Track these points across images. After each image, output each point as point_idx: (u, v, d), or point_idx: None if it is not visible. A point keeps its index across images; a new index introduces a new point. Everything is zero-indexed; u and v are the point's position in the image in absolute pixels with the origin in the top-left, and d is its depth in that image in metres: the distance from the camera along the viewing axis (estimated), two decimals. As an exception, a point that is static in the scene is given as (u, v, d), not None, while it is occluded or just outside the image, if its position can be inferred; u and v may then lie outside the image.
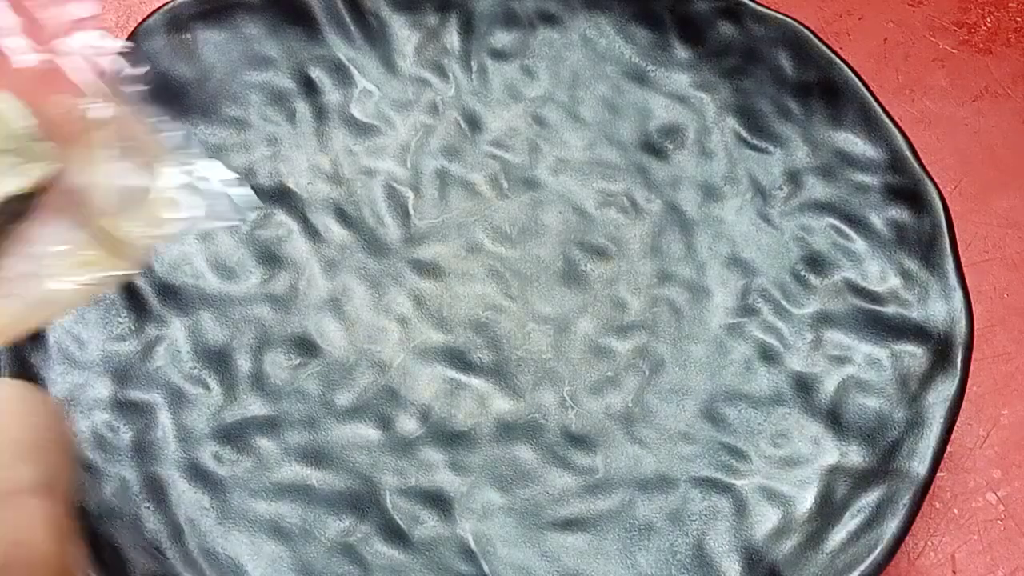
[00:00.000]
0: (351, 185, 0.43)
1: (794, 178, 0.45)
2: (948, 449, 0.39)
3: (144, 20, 0.44)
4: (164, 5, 0.44)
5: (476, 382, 0.41)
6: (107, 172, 0.32)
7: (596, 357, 0.41)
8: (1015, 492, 0.41)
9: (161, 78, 0.43)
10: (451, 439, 0.40)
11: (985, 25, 0.51)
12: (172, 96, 0.44)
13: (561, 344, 0.41)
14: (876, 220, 0.43)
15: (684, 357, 0.41)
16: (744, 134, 0.44)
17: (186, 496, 0.38)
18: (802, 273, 0.43)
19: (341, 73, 0.45)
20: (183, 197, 0.32)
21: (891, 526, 0.37)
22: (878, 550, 0.37)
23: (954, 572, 0.40)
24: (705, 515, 0.39)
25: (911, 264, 0.42)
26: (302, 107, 0.45)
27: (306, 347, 0.41)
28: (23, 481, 0.26)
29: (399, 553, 0.38)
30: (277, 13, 0.45)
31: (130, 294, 0.41)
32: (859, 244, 0.43)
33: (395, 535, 0.38)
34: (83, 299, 0.32)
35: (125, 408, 0.39)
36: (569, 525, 0.39)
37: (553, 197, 0.44)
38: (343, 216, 0.43)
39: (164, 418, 0.39)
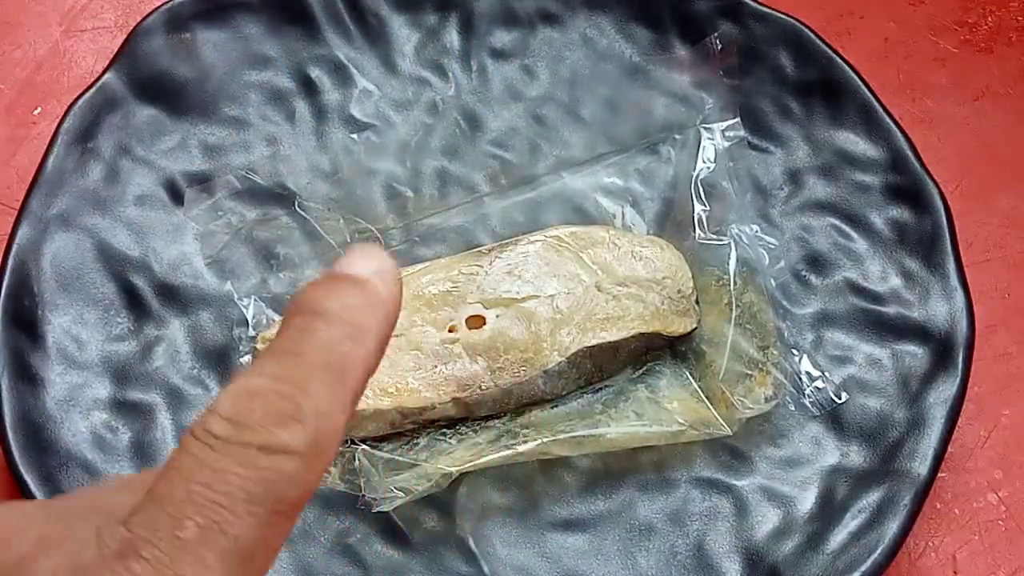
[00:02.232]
0: (351, 185, 0.43)
1: (795, 178, 0.44)
2: (949, 449, 0.39)
3: (144, 19, 0.44)
4: (164, 4, 0.44)
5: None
6: (731, 342, 0.40)
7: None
8: (1016, 492, 0.41)
9: (161, 78, 0.43)
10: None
11: (986, 24, 0.51)
12: (172, 96, 0.44)
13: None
14: (877, 220, 0.43)
15: (683, 357, 0.41)
16: (745, 134, 0.44)
17: (185, 496, 0.38)
18: (803, 273, 0.43)
19: (341, 73, 0.45)
20: (779, 383, 0.40)
21: (892, 526, 0.37)
22: (879, 550, 0.37)
23: (955, 573, 0.40)
24: (705, 515, 0.39)
25: (912, 264, 0.42)
26: (302, 107, 0.45)
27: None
28: None
29: (399, 553, 0.38)
30: (277, 13, 0.45)
31: (130, 294, 0.41)
32: (860, 244, 0.43)
33: (395, 535, 0.38)
34: (662, 440, 0.39)
35: (125, 408, 0.39)
36: (569, 525, 0.38)
37: (553, 196, 0.44)
38: (342, 216, 0.42)
39: (163, 418, 0.39)
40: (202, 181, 0.42)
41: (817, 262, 0.43)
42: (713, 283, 0.41)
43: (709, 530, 0.38)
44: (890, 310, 0.42)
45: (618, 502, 0.39)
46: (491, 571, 0.38)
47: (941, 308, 0.41)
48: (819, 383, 0.40)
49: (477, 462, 0.37)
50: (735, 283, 0.41)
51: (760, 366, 0.40)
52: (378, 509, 0.37)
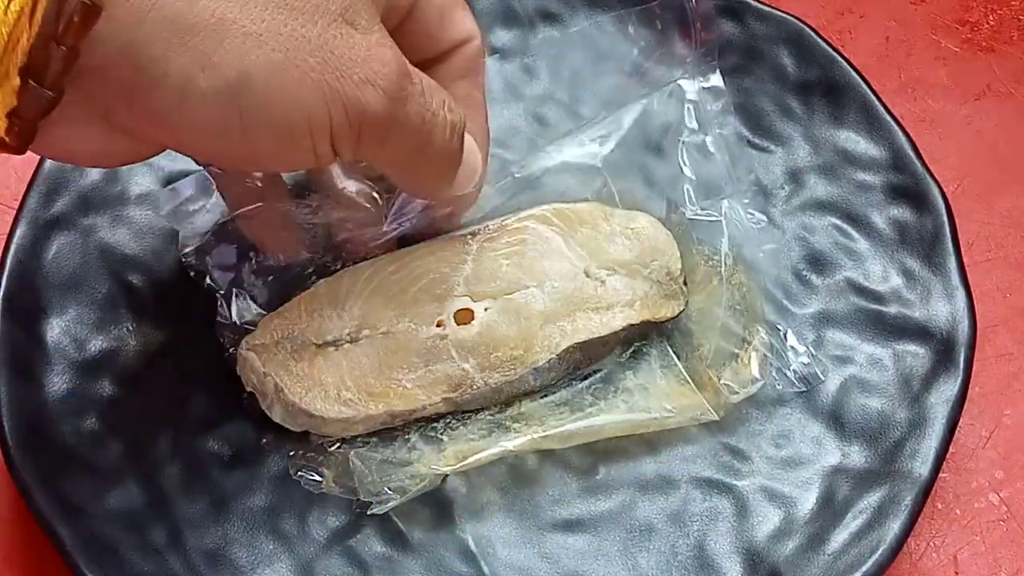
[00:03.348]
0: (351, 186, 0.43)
1: (796, 177, 0.44)
2: (950, 450, 0.39)
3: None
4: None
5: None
6: (716, 323, 0.40)
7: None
8: (1018, 493, 0.41)
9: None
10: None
11: (988, 23, 0.51)
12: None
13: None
14: (878, 219, 0.43)
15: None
16: (746, 133, 0.44)
17: (186, 497, 0.38)
18: (804, 272, 0.43)
19: (341, 72, 0.45)
20: (765, 361, 0.39)
21: (893, 527, 0.37)
22: (880, 551, 0.37)
23: (956, 573, 0.40)
24: (706, 516, 0.39)
25: (913, 264, 0.42)
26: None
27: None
28: None
29: (398, 553, 0.38)
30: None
31: (130, 294, 0.41)
32: (861, 243, 0.43)
33: (394, 535, 0.38)
34: (652, 427, 0.39)
35: (124, 408, 0.39)
36: (569, 526, 0.38)
37: (553, 196, 0.43)
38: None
39: (163, 418, 0.39)
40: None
41: (818, 262, 0.43)
42: (703, 262, 0.41)
43: (709, 530, 0.38)
44: (891, 310, 0.42)
45: (618, 502, 0.39)
46: (491, 571, 0.37)
47: (942, 308, 0.41)
48: (804, 358, 0.40)
49: (468, 461, 0.37)
50: (726, 264, 0.40)
51: (746, 345, 0.40)
52: (373, 511, 0.37)
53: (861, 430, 0.40)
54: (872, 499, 0.38)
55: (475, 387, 0.38)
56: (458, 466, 0.37)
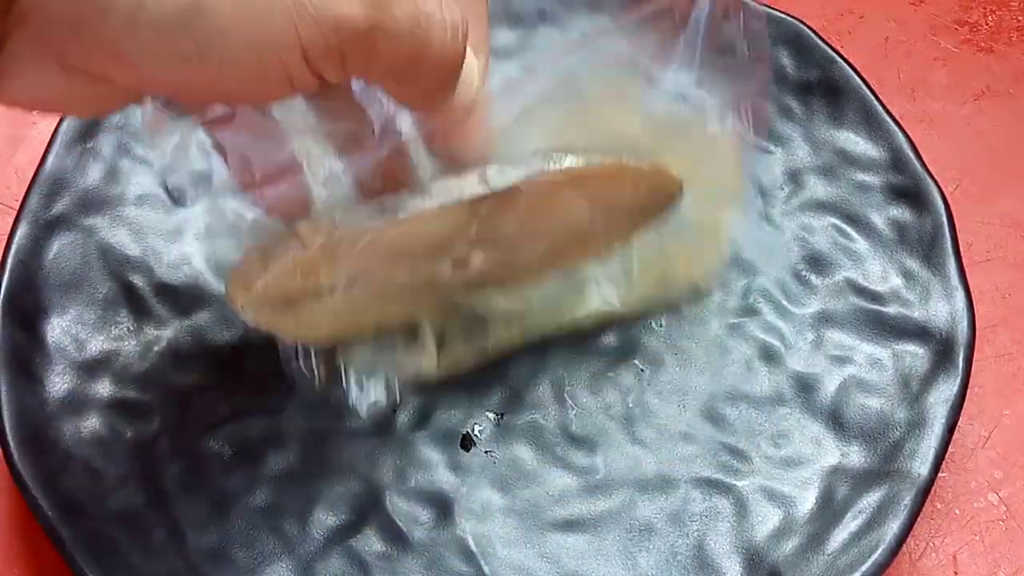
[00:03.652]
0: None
1: (795, 177, 0.44)
2: (949, 450, 0.39)
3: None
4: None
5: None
6: (704, 201, 0.40)
7: (597, 356, 0.41)
8: (1017, 493, 0.41)
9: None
10: (451, 439, 0.39)
11: (987, 24, 0.51)
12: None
13: (562, 342, 0.41)
14: (877, 219, 0.43)
15: (684, 357, 0.41)
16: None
17: (186, 496, 0.38)
18: (803, 273, 0.43)
19: (341, 72, 0.45)
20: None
21: (892, 527, 0.37)
22: (879, 551, 0.37)
23: (956, 573, 0.40)
24: (706, 516, 0.39)
25: (912, 264, 0.42)
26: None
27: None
28: None
29: (399, 553, 0.38)
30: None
31: (130, 294, 0.41)
32: (860, 244, 0.43)
33: (394, 535, 0.38)
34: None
35: (125, 408, 0.39)
36: (569, 526, 0.38)
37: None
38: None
39: (163, 418, 0.39)
40: (201, 181, 0.41)
41: (817, 262, 0.43)
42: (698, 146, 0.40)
43: (709, 530, 0.38)
44: (890, 310, 0.42)
45: (618, 502, 0.39)
46: (491, 571, 0.38)
47: (942, 308, 0.41)
48: (770, 229, 0.43)
49: (450, 353, 0.39)
50: (719, 146, 0.40)
51: (721, 218, 0.42)
52: (357, 407, 0.38)
53: (860, 430, 0.40)
54: (871, 499, 0.38)
55: (463, 304, 0.39)
56: (441, 360, 0.39)
